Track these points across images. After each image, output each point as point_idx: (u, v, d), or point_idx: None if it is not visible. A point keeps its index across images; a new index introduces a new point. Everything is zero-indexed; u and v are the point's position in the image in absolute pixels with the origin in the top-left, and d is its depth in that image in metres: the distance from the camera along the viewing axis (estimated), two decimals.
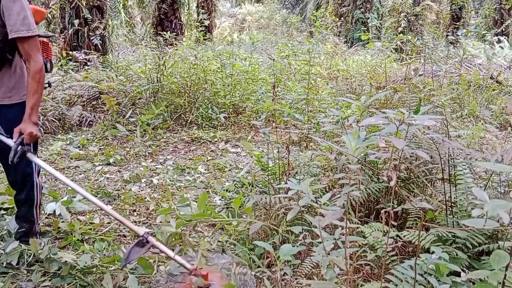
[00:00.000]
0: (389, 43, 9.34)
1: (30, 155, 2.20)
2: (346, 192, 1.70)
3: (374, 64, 8.22)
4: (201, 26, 11.43)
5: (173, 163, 4.50)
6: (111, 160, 4.46)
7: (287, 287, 2.24)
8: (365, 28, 16.38)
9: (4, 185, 3.40)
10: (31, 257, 2.41)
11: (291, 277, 2.27)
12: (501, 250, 1.44)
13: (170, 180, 3.96)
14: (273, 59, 4.80)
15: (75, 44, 9.30)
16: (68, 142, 5.05)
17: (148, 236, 2.05)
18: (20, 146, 2.15)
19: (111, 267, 2.42)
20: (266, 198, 2.72)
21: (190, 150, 5.04)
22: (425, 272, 1.72)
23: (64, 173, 4.11)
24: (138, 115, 5.66)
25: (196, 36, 10.06)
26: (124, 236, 2.89)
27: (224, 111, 6.02)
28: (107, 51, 9.67)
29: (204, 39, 10.78)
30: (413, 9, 15.82)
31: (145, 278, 2.34)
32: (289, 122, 3.49)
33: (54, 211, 3.12)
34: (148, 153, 4.77)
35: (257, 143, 5.03)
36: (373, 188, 2.55)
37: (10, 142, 2.18)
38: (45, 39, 2.56)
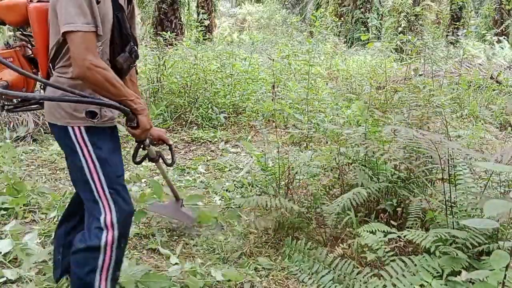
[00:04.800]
0: (389, 43, 9.34)
1: None
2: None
3: (374, 64, 8.22)
4: (201, 26, 11.43)
5: None
6: None
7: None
8: (365, 28, 16.40)
9: (5, 185, 3.39)
10: None
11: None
12: (501, 250, 1.44)
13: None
14: (273, 59, 4.80)
15: None
16: None
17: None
18: None
19: None
20: (265, 198, 2.72)
21: (190, 150, 5.03)
22: (425, 272, 1.72)
23: (65, 173, 4.11)
24: None
25: (196, 36, 10.04)
26: None
27: (224, 111, 6.01)
28: None
29: (204, 39, 10.78)
30: (413, 9, 15.83)
31: None
32: (289, 122, 3.49)
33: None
34: None
35: (257, 143, 5.03)
36: (373, 188, 2.55)
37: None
38: None
